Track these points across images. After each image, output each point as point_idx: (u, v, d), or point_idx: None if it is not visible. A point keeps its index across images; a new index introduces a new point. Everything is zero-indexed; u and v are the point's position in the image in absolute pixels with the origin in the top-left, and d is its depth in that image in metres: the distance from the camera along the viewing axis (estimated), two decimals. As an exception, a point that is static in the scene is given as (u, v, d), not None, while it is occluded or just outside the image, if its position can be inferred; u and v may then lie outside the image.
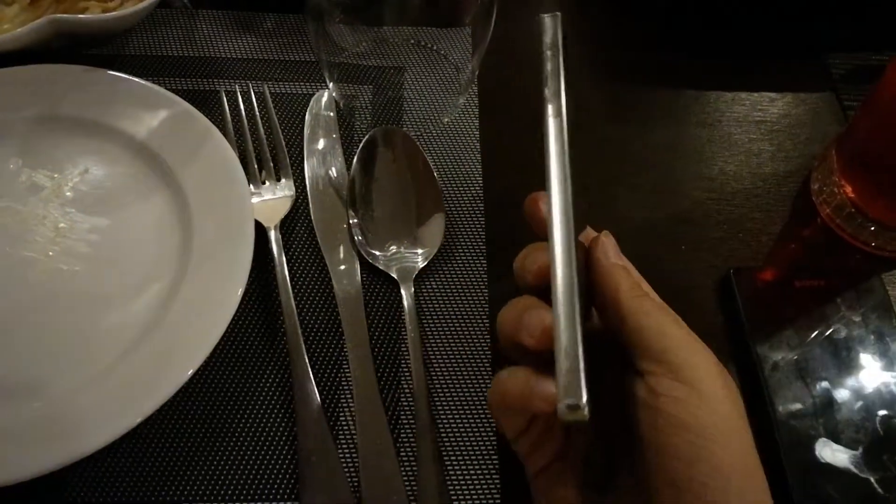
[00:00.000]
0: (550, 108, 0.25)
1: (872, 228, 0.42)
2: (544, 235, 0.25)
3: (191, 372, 0.33)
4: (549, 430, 0.28)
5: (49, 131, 0.42)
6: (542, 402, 0.24)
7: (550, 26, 0.26)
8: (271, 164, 0.42)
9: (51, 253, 0.38)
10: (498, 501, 0.34)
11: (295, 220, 0.41)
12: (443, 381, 0.37)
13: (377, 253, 0.40)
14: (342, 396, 0.36)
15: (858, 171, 0.42)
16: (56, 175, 0.40)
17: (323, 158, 0.43)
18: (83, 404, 0.32)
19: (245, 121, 0.44)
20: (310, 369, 0.36)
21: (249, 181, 0.40)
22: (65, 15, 0.42)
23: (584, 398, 0.22)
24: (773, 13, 0.54)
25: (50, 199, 0.40)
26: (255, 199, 0.41)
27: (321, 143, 0.44)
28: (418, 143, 0.43)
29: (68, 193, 0.40)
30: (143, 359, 0.34)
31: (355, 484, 0.33)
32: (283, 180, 0.42)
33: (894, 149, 0.40)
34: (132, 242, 0.39)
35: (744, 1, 0.54)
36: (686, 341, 0.25)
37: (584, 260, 0.27)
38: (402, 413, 0.36)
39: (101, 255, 0.38)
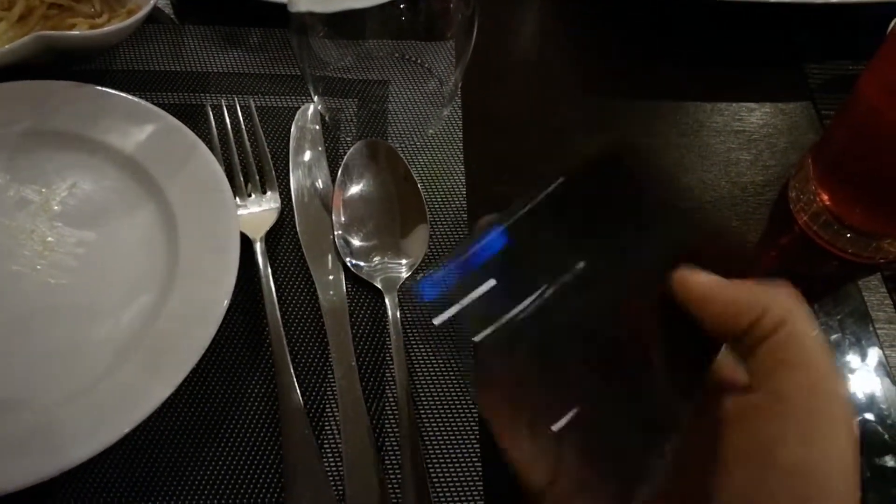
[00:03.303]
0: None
1: (848, 235, 0.43)
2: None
3: (177, 383, 0.33)
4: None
5: (37, 146, 0.42)
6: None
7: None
8: (257, 177, 0.43)
9: (39, 267, 0.38)
10: (481, 508, 0.34)
11: (281, 232, 0.42)
12: (427, 390, 0.37)
13: (362, 264, 0.40)
14: (327, 406, 0.36)
15: (834, 179, 0.43)
16: (44, 190, 0.41)
17: (308, 171, 0.44)
18: (70, 416, 0.33)
19: (231, 134, 0.45)
20: (295, 379, 0.36)
21: (235, 194, 0.41)
22: (53, 31, 0.42)
23: None
24: (753, 24, 0.55)
25: (38, 214, 0.40)
26: (241, 212, 0.41)
27: (307, 156, 0.44)
28: (403, 154, 0.43)
29: (56, 208, 0.40)
30: (129, 370, 0.34)
31: (340, 493, 0.34)
32: (268, 193, 0.43)
33: (869, 157, 0.40)
34: (119, 255, 0.39)
35: (723, 12, 0.54)
36: None
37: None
38: (387, 422, 0.36)
39: (89, 269, 0.38)
